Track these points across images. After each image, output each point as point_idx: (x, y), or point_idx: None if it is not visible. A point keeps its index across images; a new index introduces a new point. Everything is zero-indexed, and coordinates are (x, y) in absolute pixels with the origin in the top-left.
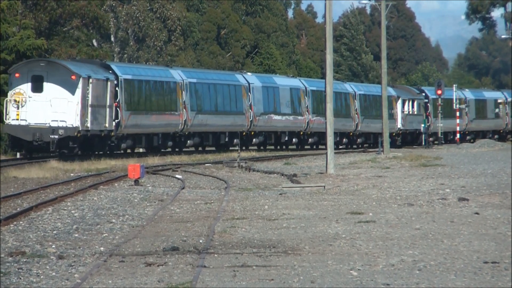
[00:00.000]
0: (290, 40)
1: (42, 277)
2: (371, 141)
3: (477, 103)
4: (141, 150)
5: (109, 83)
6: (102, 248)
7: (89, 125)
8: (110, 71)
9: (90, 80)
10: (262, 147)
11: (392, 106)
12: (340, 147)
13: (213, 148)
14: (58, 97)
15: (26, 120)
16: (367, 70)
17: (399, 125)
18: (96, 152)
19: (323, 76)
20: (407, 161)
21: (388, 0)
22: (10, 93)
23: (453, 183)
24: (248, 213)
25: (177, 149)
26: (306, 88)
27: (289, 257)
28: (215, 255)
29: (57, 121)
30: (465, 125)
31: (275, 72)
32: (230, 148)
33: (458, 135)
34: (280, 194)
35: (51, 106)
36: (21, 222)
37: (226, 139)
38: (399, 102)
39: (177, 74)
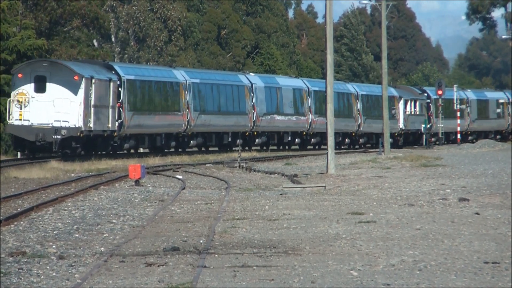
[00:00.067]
0: (291, 40)
1: (42, 277)
2: (373, 141)
3: (479, 103)
4: (141, 150)
5: (111, 83)
6: (102, 248)
7: (91, 125)
8: (113, 72)
9: (93, 81)
10: (265, 148)
11: (394, 107)
12: (343, 147)
13: (216, 148)
14: (61, 98)
15: (29, 120)
16: (367, 70)
17: (401, 125)
18: (99, 152)
19: (324, 77)
20: (408, 162)
21: (388, 0)
22: (13, 93)
23: (454, 183)
24: (248, 214)
25: (180, 150)
26: (308, 88)
27: (290, 257)
28: (216, 255)
29: (59, 121)
30: (467, 126)
31: (276, 72)
32: (234, 149)
33: (458, 136)
34: (281, 194)
35: (54, 107)
36: (21, 222)
37: (229, 140)
38: (401, 103)
39: (180, 75)
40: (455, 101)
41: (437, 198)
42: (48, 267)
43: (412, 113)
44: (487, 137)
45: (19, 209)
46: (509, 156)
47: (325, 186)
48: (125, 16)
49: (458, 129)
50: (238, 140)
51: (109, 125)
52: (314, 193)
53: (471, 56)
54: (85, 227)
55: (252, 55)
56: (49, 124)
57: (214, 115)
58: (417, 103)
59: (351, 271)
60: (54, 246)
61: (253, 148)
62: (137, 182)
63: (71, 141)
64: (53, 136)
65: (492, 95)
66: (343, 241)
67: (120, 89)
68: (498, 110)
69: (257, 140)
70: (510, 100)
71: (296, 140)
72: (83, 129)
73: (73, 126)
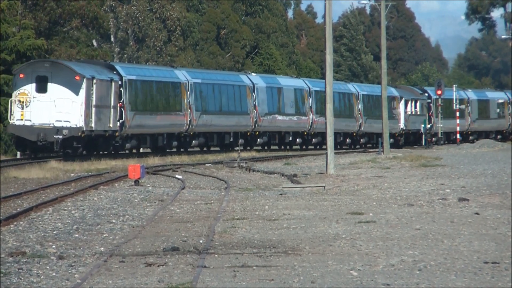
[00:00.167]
0: (290, 41)
1: (42, 277)
2: (374, 141)
3: (480, 103)
4: (141, 150)
5: (113, 83)
6: (102, 248)
7: (93, 125)
8: (115, 72)
9: (94, 81)
10: (266, 147)
11: (395, 107)
12: (344, 147)
13: (218, 148)
14: (62, 98)
15: (30, 120)
16: (367, 70)
17: (402, 125)
18: (101, 152)
19: (323, 76)
20: (407, 162)
21: (388, 0)
22: (14, 93)
23: (453, 183)
24: (248, 213)
25: (182, 149)
26: (309, 88)
27: (289, 257)
28: (215, 255)
29: (61, 121)
30: (468, 126)
31: (275, 72)
32: (235, 148)
33: (458, 135)
34: (280, 194)
35: (55, 107)
36: (21, 222)
37: (231, 139)
38: (402, 103)
39: (181, 75)
40: (454, 101)
41: (437, 198)
42: (48, 267)
43: (413, 113)
44: (488, 137)
45: (18, 209)
46: (509, 156)
47: (324, 186)
48: (125, 16)
49: (458, 129)
50: (239, 140)
51: (111, 125)
52: (313, 193)
53: (470, 56)
54: (84, 227)
55: (252, 55)
56: (50, 124)
57: (216, 115)
58: (418, 103)
59: (351, 271)
60: (54, 246)
61: (255, 148)
62: (136, 182)
63: (72, 141)
64: (55, 136)
65: (493, 95)
66: (343, 241)
67: (121, 89)
68: (498, 110)
69: (258, 140)
70: (511, 100)
71: (298, 140)
72: (84, 129)
73: (74, 126)
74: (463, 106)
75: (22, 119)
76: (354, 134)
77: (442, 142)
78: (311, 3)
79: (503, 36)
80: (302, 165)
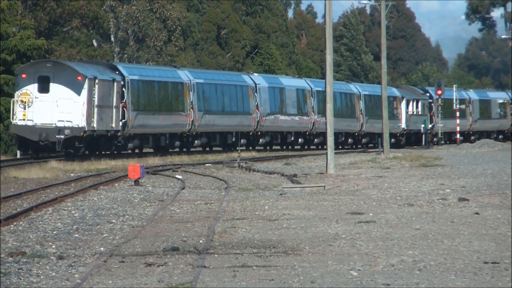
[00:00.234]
0: (290, 40)
1: (42, 277)
2: (375, 141)
3: (481, 103)
4: (138, 150)
5: (115, 83)
6: (102, 248)
7: (95, 125)
8: (117, 72)
9: (96, 81)
10: (268, 147)
11: (397, 107)
12: (346, 147)
13: (220, 148)
14: (64, 98)
15: (32, 120)
16: (367, 70)
17: (403, 125)
18: (103, 152)
19: (323, 76)
20: (407, 162)
21: (388, 0)
22: (17, 93)
23: (453, 183)
24: (248, 214)
25: (184, 149)
26: (311, 88)
27: (289, 257)
28: (215, 255)
29: (63, 121)
30: (469, 125)
31: (275, 72)
32: (238, 148)
33: (458, 135)
34: (280, 194)
35: (57, 107)
36: (21, 223)
37: (233, 139)
38: (403, 103)
39: (184, 75)
40: (454, 101)
41: (437, 198)
42: (47, 267)
43: (414, 113)
44: (490, 137)
45: (18, 209)
46: (509, 156)
47: (324, 186)
48: (125, 16)
49: (458, 129)
50: (242, 140)
51: (113, 125)
52: (313, 193)
53: (470, 56)
54: (84, 227)
55: (252, 55)
56: (52, 124)
57: (218, 115)
58: (419, 103)
59: (351, 271)
60: (53, 246)
61: (257, 148)
62: (136, 182)
63: (74, 141)
64: (57, 136)
65: (494, 95)
66: (343, 241)
67: (124, 89)
68: (498, 110)
69: (260, 140)
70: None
71: (299, 140)
72: (86, 129)
73: (76, 126)
74: (463, 106)
75: (24, 119)
76: (356, 134)
77: (442, 142)
78: (311, 3)
79: (503, 36)
80: (302, 165)
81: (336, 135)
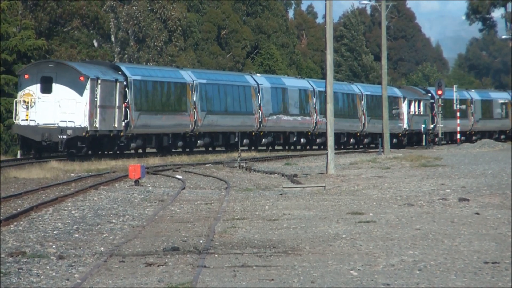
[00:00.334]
0: (291, 41)
1: (42, 277)
2: (377, 141)
3: (483, 103)
4: (141, 150)
5: (118, 84)
6: (102, 248)
7: (97, 125)
8: (120, 72)
9: (99, 81)
10: (270, 147)
11: (398, 107)
12: (348, 147)
13: (223, 148)
14: (66, 98)
15: (35, 121)
16: (367, 70)
17: (405, 125)
18: (106, 152)
19: (324, 77)
20: (408, 162)
21: (388, 0)
22: (19, 93)
23: (454, 183)
24: (248, 214)
25: (187, 149)
26: (314, 89)
27: (290, 257)
28: (216, 255)
29: (65, 121)
30: (471, 126)
31: (275, 73)
32: (241, 148)
33: (458, 135)
34: (281, 194)
35: (60, 107)
36: (21, 223)
37: (236, 139)
38: (405, 103)
39: (187, 75)
40: (454, 101)
41: (437, 198)
42: (48, 267)
43: (416, 113)
44: (491, 137)
45: (19, 209)
46: (509, 156)
47: (325, 186)
48: (125, 16)
49: (458, 129)
50: (244, 140)
51: (116, 125)
52: (314, 193)
53: (471, 56)
54: (85, 227)
55: (252, 55)
56: (55, 124)
57: (221, 115)
58: (421, 104)
59: (351, 271)
60: (54, 246)
61: (259, 148)
62: (137, 182)
63: (76, 141)
64: (59, 136)
65: (496, 95)
66: (343, 241)
67: (126, 89)
68: (499, 110)
69: (263, 140)
70: None
71: (302, 140)
72: (88, 129)
73: (79, 126)
74: (463, 106)
75: (27, 119)
76: (358, 134)
77: (443, 142)
78: (311, 3)
79: (503, 36)
80: (302, 165)
81: (338, 135)
